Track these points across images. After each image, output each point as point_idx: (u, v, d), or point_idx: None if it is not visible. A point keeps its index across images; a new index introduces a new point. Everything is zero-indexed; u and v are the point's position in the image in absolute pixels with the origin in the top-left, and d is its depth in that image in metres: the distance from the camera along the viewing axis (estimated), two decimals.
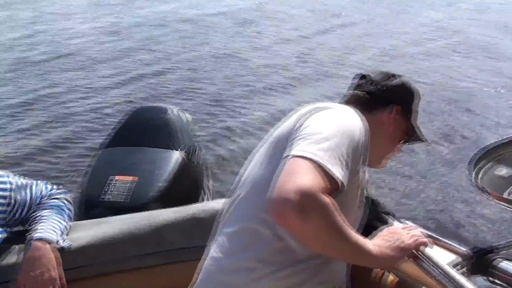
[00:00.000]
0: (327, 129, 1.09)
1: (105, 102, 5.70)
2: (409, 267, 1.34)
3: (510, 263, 1.11)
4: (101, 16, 9.86)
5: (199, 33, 8.66)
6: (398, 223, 1.38)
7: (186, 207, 1.67)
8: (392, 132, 1.43)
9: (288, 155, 1.04)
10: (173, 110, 2.50)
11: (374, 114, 1.39)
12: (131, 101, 5.55)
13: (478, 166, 1.33)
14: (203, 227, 1.53)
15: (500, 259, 1.13)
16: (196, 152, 2.42)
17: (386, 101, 1.42)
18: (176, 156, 2.24)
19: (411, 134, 1.49)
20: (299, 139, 1.07)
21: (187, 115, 2.59)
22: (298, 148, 1.04)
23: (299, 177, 0.97)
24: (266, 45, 7.96)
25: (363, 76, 1.49)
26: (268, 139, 1.26)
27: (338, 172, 1.02)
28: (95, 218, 1.68)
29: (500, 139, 1.40)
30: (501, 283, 1.11)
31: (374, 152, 1.38)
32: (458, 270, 1.19)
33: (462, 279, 1.07)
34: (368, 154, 1.19)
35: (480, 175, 1.32)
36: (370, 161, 1.35)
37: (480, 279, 1.16)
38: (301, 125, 1.13)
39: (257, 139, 1.36)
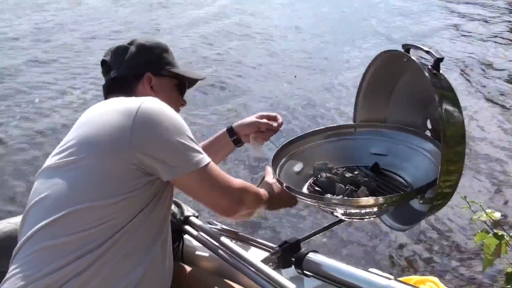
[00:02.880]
0: (177, 133, 1.12)
1: None
2: (214, 264, 1.35)
3: (314, 254, 1.19)
4: None
5: None
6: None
7: None
8: (164, 95, 1.30)
9: (180, 174, 1.11)
10: None
11: (136, 93, 1.28)
12: None
13: (280, 163, 1.40)
14: None
15: (306, 251, 1.19)
16: None
17: (135, 76, 1.32)
18: None
19: (183, 83, 1.43)
20: (172, 157, 1.10)
21: None
22: (184, 163, 1.11)
23: (222, 182, 1.17)
24: None
25: (103, 63, 1.37)
26: (62, 148, 1.13)
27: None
28: None
29: (296, 136, 1.50)
30: (307, 272, 1.17)
31: None
32: (270, 265, 1.23)
33: (271, 272, 1.12)
34: None
35: (282, 172, 1.39)
36: None
37: (291, 271, 1.21)
38: (150, 143, 1.09)
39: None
